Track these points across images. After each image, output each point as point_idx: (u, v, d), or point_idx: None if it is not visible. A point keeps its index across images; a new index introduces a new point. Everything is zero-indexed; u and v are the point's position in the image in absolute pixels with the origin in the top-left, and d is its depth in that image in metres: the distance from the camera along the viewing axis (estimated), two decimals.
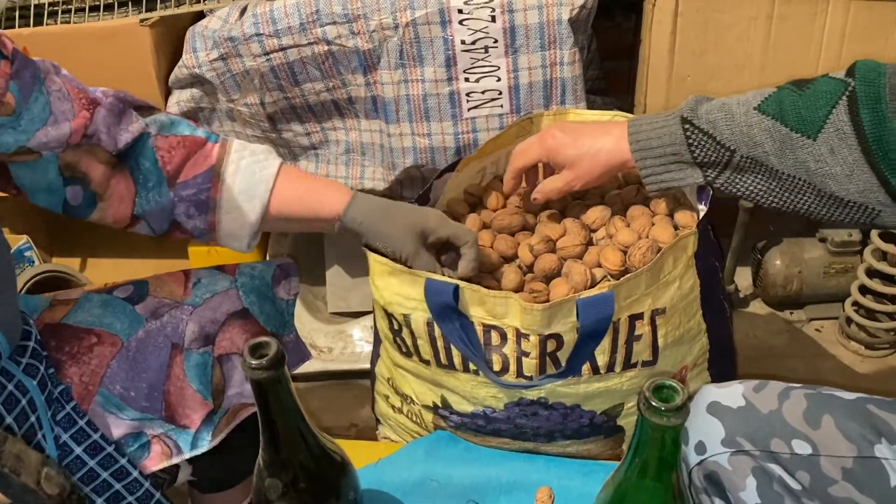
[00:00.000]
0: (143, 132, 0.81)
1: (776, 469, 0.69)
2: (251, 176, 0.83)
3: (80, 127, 0.77)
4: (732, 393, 0.72)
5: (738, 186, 0.79)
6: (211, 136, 0.85)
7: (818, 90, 0.73)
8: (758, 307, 1.50)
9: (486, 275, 0.93)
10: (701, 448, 0.72)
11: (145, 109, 0.84)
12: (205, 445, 0.84)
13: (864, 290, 1.36)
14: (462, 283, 0.82)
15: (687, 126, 0.79)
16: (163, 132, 0.82)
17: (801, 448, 0.68)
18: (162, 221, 0.85)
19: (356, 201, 0.85)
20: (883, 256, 1.33)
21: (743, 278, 1.52)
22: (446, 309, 0.82)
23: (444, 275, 0.84)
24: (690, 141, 0.78)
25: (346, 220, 0.85)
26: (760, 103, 0.75)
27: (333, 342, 1.47)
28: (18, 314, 0.77)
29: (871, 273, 1.34)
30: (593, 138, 0.84)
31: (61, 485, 0.66)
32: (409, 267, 0.84)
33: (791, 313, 1.48)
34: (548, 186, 0.89)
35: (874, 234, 1.32)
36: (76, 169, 0.79)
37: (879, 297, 1.34)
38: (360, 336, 1.45)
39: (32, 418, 0.73)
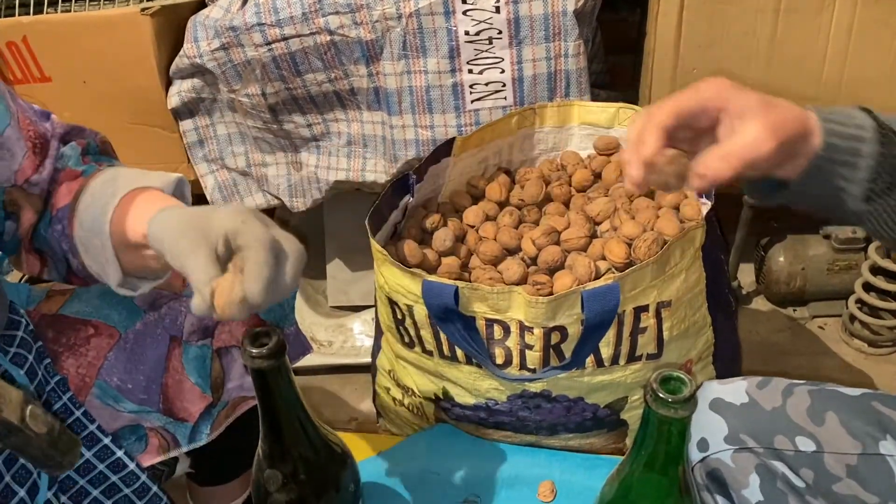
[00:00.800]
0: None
1: (780, 466, 0.68)
2: (95, 209, 0.68)
3: (27, 170, 0.72)
4: (735, 390, 0.72)
5: None
6: (88, 170, 0.74)
7: None
8: (761, 304, 1.50)
9: (490, 267, 0.92)
10: (704, 445, 0.71)
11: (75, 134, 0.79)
12: (203, 439, 0.84)
13: (867, 287, 1.35)
14: (462, 284, 0.81)
15: (874, 115, 0.61)
16: (60, 165, 0.75)
17: (805, 445, 0.67)
18: (59, 263, 0.75)
19: (157, 218, 0.63)
20: (887, 254, 1.32)
21: (746, 275, 1.52)
22: (446, 311, 0.81)
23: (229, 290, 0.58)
24: (883, 131, 0.59)
25: (152, 243, 0.63)
26: None
27: (334, 336, 1.46)
28: (4, 303, 0.76)
29: (876, 270, 1.34)
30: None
31: (49, 423, 0.61)
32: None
33: (794, 310, 1.47)
34: (725, 152, 0.56)
35: None
36: (16, 206, 0.73)
37: (883, 294, 1.33)
38: (360, 330, 1.45)
39: None
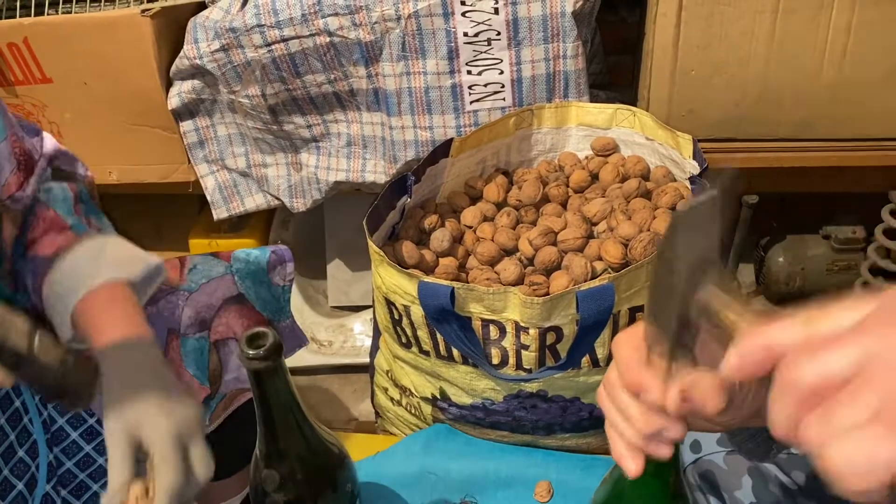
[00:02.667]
0: (36, 197, 0.75)
1: (772, 469, 0.68)
2: (69, 283, 0.69)
3: (11, 186, 0.72)
4: None
5: None
6: (77, 226, 0.74)
7: None
8: (760, 304, 1.50)
9: (487, 267, 0.93)
10: (696, 447, 0.71)
11: (64, 169, 0.79)
12: None
13: (867, 287, 1.35)
14: (457, 285, 0.81)
15: None
16: (48, 204, 0.75)
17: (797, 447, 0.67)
18: (25, 286, 0.75)
19: (108, 355, 0.64)
20: (887, 254, 1.32)
21: (745, 275, 1.52)
22: (442, 312, 0.81)
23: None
24: None
25: (101, 367, 0.65)
26: None
27: (334, 336, 1.46)
28: None
29: (875, 271, 1.33)
30: None
31: (61, 352, 0.58)
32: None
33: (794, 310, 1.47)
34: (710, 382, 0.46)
35: (878, 231, 1.31)
36: None
37: None
38: (360, 330, 1.45)
39: (17, 402, 0.73)
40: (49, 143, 0.78)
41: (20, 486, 0.71)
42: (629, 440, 0.48)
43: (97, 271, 0.69)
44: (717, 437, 0.70)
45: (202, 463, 0.60)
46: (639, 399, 0.47)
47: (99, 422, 0.78)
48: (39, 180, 0.75)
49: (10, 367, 0.57)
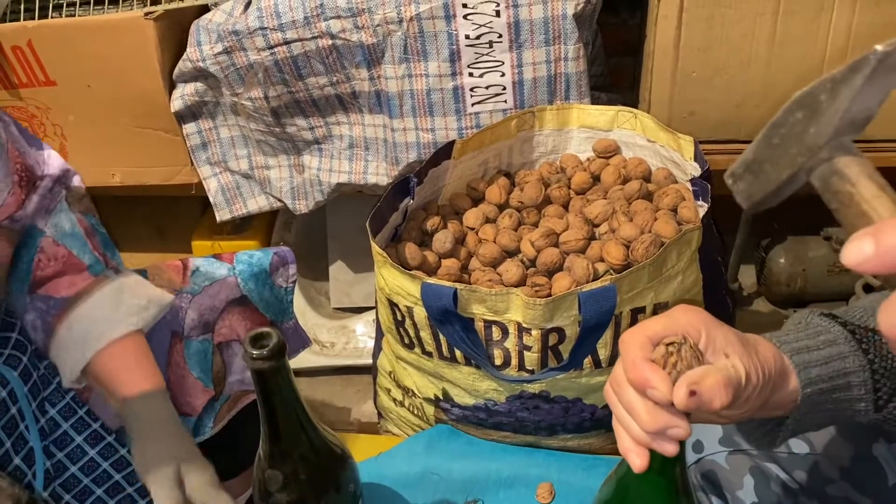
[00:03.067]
0: (39, 228, 0.76)
1: (773, 468, 0.69)
2: (88, 331, 0.73)
3: (9, 206, 0.72)
4: None
5: None
6: (95, 266, 0.77)
7: None
8: (761, 305, 1.50)
9: (489, 269, 0.93)
10: (698, 447, 0.72)
11: (75, 189, 0.79)
12: (207, 433, 0.85)
13: (868, 289, 1.35)
14: (460, 286, 0.82)
15: (839, 319, 0.57)
16: (56, 239, 0.76)
17: (799, 447, 0.68)
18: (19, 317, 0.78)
19: (134, 408, 0.73)
20: None
21: (747, 276, 1.52)
22: (445, 313, 0.82)
23: None
24: (857, 337, 0.55)
25: (125, 420, 0.74)
26: None
27: (336, 337, 1.47)
28: None
29: None
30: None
31: (16, 496, 0.63)
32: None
33: (795, 312, 1.47)
34: (716, 379, 0.47)
35: None
36: None
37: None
38: (362, 331, 1.45)
39: (13, 409, 0.73)
40: (55, 162, 0.78)
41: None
42: (635, 436, 0.49)
43: (115, 321, 0.74)
44: (719, 437, 0.70)
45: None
46: (645, 396, 0.47)
47: (103, 426, 0.79)
48: (43, 201, 0.75)
49: None
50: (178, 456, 0.70)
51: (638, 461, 0.49)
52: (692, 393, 0.46)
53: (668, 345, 0.48)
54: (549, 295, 0.86)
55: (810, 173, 0.45)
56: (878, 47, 0.41)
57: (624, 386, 0.49)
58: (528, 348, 0.82)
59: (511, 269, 0.91)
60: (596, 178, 1.06)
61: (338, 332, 1.47)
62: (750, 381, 0.48)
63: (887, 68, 0.42)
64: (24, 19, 1.25)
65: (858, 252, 0.36)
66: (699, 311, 0.52)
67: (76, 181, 0.80)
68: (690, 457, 0.72)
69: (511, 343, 0.83)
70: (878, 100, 0.45)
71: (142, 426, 0.72)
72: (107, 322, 0.74)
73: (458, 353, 0.87)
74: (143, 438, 0.71)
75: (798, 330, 0.57)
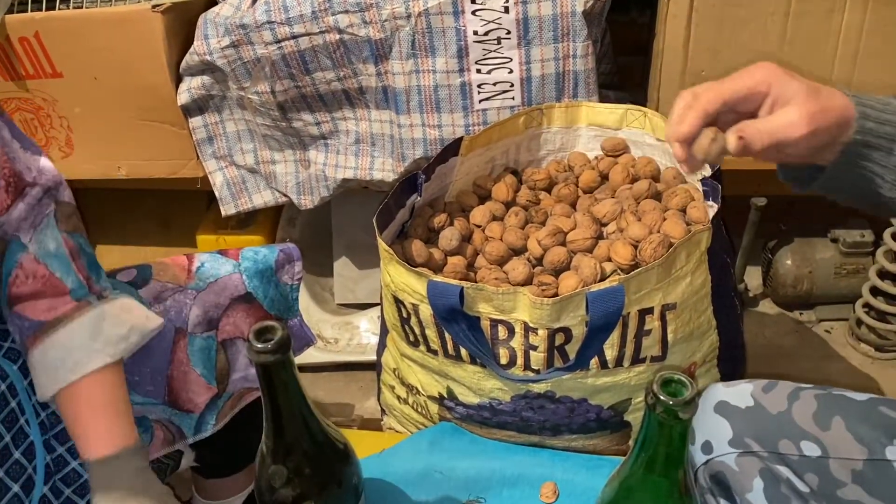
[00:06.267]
0: (21, 242, 0.72)
1: (784, 471, 0.68)
2: (63, 359, 0.71)
3: None
4: (741, 392, 0.71)
5: None
6: (77, 290, 0.73)
7: None
8: (767, 307, 1.49)
9: (496, 267, 0.92)
10: (708, 448, 0.71)
11: (65, 205, 0.76)
12: (208, 430, 0.84)
13: (875, 291, 1.34)
14: (467, 285, 0.81)
15: None
16: (38, 257, 0.72)
17: (810, 450, 0.67)
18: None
19: (98, 474, 0.70)
20: (895, 258, 1.31)
21: (753, 278, 1.51)
22: (451, 311, 0.81)
23: None
24: None
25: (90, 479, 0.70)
26: None
27: (340, 333, 1.46)
28: None
29: (883, 275, 1.33)
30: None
31: None
32: None
33: (801, 314, 1.47)
34: (759, 127, 0.58)
35: (887, 235, 1.30)
36: None
37: (891, 299, 1.33)
38: (366, 327, 1.45)
39: (13, 403, 0.72)
40: (49, 171, 0.75)
41: (16, 487, 0.71)
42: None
43: (92, 351, 0.71)
44: (728, 438, 0.70)
45: None
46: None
47: None
48: (31, 212, 0.72)
49: None
50: None
51: (677, 152, 0.60)
52: (740, 138, 0.57)
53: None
54: (556, 294, 0.85)
55: None
56: None
57: (688, 99, 0.60)
58: (534, 348, 0.82)
59: (518, 267, 0.90)
60: (604, 177, 1.05)
61: (342, 328, 1.47)
62: (794, 128, 0.57)
63: None
64: (32, 10, 1.25)
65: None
66: (772, 67, 0.60)
67: (67, 196, 0.77)
68: (699, 458, 0.72)
69: (517, 342, 0.83)
70: None
71: (101, 483, 0.69)
72: (82, 351, 0.71)
73: (463, 351, 0.86)
74: (103, 492, 0.68)
75: (877, 99, 0.61)
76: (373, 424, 1.24)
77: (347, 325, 1.47)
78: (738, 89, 0.59)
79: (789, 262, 1.42)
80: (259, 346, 0.60)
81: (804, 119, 0.57)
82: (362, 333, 1.45)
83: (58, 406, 0.72)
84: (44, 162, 0.75)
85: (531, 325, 0.81)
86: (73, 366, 0.70)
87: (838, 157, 0.60)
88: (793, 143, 0.58)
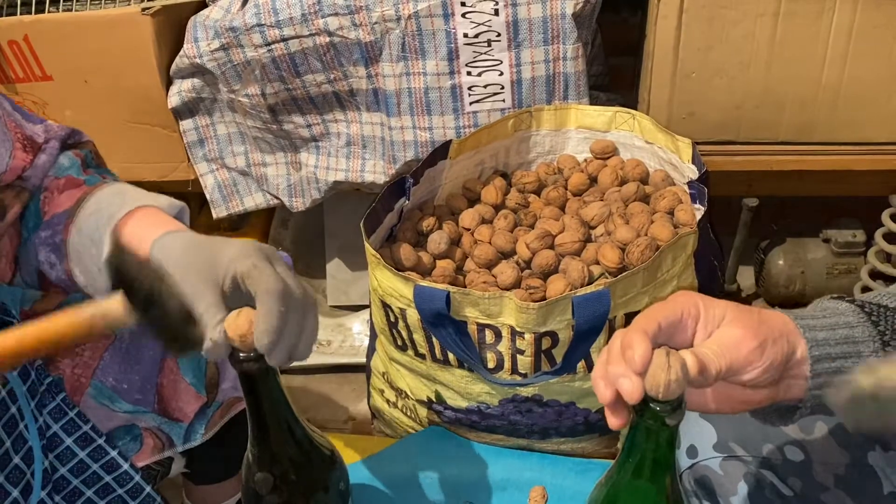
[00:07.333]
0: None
1: (768, 475, 0.68)
2: (99, 218, 0.68)
3: (16, 168, 0.71)
4: None
5: None
6: (91, 179, 0.73)
7: None
8: (759, 307, 1.49)
9: (484, 270, 0.92)
10: (692, 452, 0.71)
11: (77, 145, 0.78)
12: (198, 439, 0.84)
13: (866, 291, 1.35)
14: (453, 289, 0.81)
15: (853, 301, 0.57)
16: (56, 175, 0.74)
17: (794, 454, 0.67)
18: (31, 272, 0.74)
19: (162, 242, 0.64)
20: (887, 258, 1.31)
21: (745, 278, 1.51)
22: (438, 316, 0.81)
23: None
24: (868, 310, 0.55)
25: (154, 261, 0.63)
26: None
27: (333, 335, 1.46)
28: None
29: (875, 275, 1.33)
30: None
31: (180, 303, 0.57)
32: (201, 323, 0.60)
33: None
34: (710, 347, 0.52)
35: (878, 235, 1.30)
36: (3, 206, 0.72)
37: None
38: (359, 329, 1.45)
39: (13, 409, 0.73)
40: (56, 127, 0.77)
41: (15, 492, 0.71)
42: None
43: (124, 203, 0.67)
44: (713, 443, 0.70)
45: (308, 324, 0.60)
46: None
47: (94, 428, 0.78)
48: (53, 159, 0.74)
49: (139, 308, 0.57)
50: (217, 255, 0.59)
51: (628, 388, 0.51)
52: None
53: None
54: (544, 297, 0.85)
55: None
56: None
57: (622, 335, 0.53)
58: (521, 352, 0.82)
59: (506, 270, 0.90)
60: (593, 180, 1.05)
61: (334, 330, 1.47)
62: (741, 344, 0.51)
63: None
64: (21, 13, 1.25)
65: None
66: (694, 294, 0.54)
67: (86, 137, 0.79)
68: (684, 462, 0.72)
69: (504, 346, 0.83)
70: None
71: (169, 255, 0.62)
72: (118, 206, 0.67)
73: (450, 355, 0.86)
74: (175, 267, 0.60)
75: (810, 310, 0.57)
76: (366, 427, 1.24)
77: (340, 326, 1.47)
78: (669, 313, 0.52)
79: (781, 262, 1.42)
80: (242, 354, 0.60)
81: (749, 332, 0.51)
82: (355, 335, 1.45)
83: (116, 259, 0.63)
84: (47, 123, 0.76)
85: (518, 329, 0.81)
86: (110, 217, 0.67)
87: (809, 380, 0.53)
88: (746, 365, 0.51)
